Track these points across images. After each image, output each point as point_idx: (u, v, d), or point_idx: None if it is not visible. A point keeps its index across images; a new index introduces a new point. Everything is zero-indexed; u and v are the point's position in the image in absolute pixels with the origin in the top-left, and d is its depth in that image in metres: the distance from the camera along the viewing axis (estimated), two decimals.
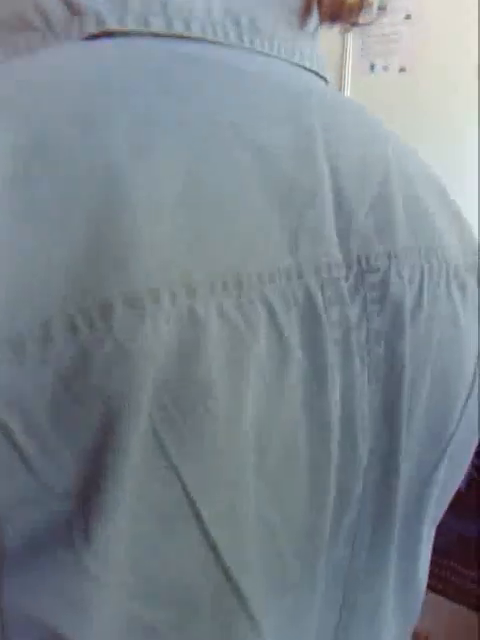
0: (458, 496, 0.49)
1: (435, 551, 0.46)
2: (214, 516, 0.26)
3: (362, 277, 0.32)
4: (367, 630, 0.38)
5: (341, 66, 2.42)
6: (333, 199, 0.30)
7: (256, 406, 0.26)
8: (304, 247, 0.29)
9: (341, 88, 2.45)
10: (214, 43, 0.29)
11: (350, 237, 0.31)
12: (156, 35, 0.27)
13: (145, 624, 0.26)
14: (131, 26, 0.26)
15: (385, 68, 2.34)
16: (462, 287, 0.37)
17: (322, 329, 0.29)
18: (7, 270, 0.19)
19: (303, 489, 0.30)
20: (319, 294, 0.29)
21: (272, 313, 0.27)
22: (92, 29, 0.26)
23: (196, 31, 0.28)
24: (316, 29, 0.36)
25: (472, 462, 0.42)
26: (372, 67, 2.37)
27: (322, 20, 0.35)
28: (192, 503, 0.25)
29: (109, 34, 0.26)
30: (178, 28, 0.27)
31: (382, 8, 2.24)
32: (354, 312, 0.31)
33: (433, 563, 0.43)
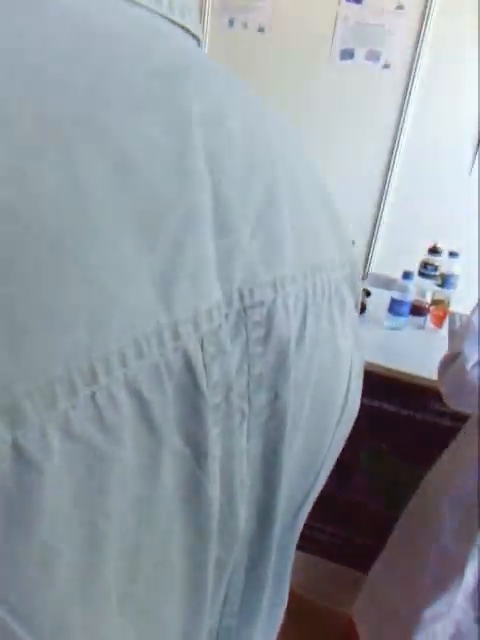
0: None
1: None
2: None
3: (244, 314, 0.24)
4: None
5: (199, 21, 2.33)
6: (213, 218, 0.23)
7: (119, 543, 0.21)
8: (179, 294, 0.21)
9: (199, 43, 2.36)
10: None
11: (233, 267, 0.24)
12: None
13: None
14: None
15: (245, 25, 2.31)
16: (341, 305, 0.32)
17: (202, 397, 0.22)
18: None
19: (177, 599, 0.25)
20: (199, 354, 0.22)
21: (141, 401, 0.20)
22: None
23: None
24: None
25: None
26: (231, 23, 2.32)
27: None
28: None
29: None
30: None
31: None
32: (234, 360, 0.24)
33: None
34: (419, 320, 1.56)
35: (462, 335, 1.02)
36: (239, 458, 0.26)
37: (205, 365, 0.22)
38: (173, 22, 0.26)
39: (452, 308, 1.59)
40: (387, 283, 1.90)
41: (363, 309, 1.60)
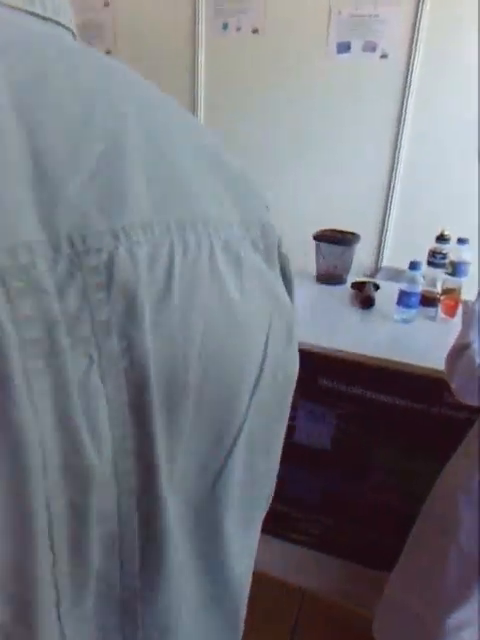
0: None
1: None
2: None
3: (78, 260, 0.26)
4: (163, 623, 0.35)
5: (194, 27, 2.33)
6: (32, 169, 0.25)
7: None
8: None
9: (195, 49, 2.37)
10: None
11: (56, 214, 0.25)
12: None
13: None
14: None
15: (238, 28, 2.30)
16: (236, 263, 0.32)
17: (3, 327, 0.24)
18: None
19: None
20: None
21: None
22: None
23: None
24: None
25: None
26: (225, 26, 2.31)
27: None
28: None
29: None
30: None
31: None
32: (69, 302, 0.26)
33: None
34: (430, 311, 1.50)
35: (468, 324, 0.97)
36: (89, 398, 0.27)
37: (10, 298, 0.24)
38: (46, 19, 0.31)
39: (465, 296, 1.52)
40: (397, 275, 1.84)
41: (372, 303, 1.55)
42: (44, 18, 0.31)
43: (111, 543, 0.30)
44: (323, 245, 1.72)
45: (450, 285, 1.53)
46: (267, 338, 0.34)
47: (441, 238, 1.57)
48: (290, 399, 0.40)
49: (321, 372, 1.37)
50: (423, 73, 2.08)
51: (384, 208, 2.32)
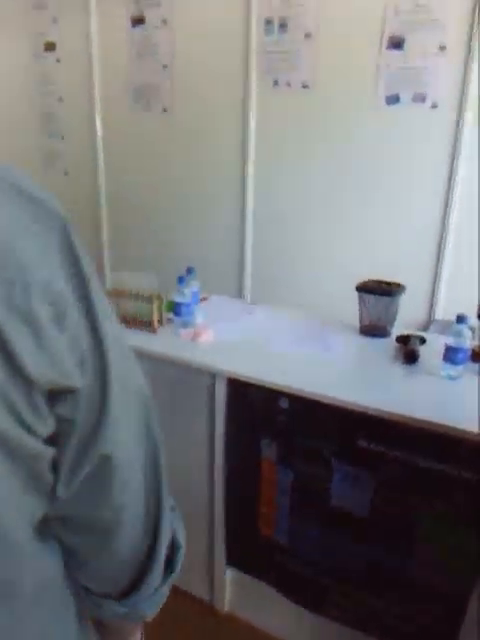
0: None
1: None
2: None
3: None
4: None
5: (246, 83, 2.41)
6: None
7: None
8: None
9: (245, 105, 2.43)
10: None
11: None
12: None
13: None
14: None
15: (288, 84, 2.35)
16: None
17: None
18: None
19: None
20: None
21: None
22: None
23: None
24: None
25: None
26: (276, 83, 2.37)
27: None
28: None
29: None
30: None
31: (283, 26, 2.24)
32: None
33: None
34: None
35: None
36: None
37: None
38: None
39: None
40: (449, 329, 1.74)
41: (416, 358, 1.46)
42: None
43: None
44: (367, 296, 1.65)
45: None
46: None
47: None
48: None
49: (359, 432, 1.29)
50: (475, 120, 2.03)
51: (436, 259, 2.23)
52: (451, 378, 1.36)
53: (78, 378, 0.41)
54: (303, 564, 1.49)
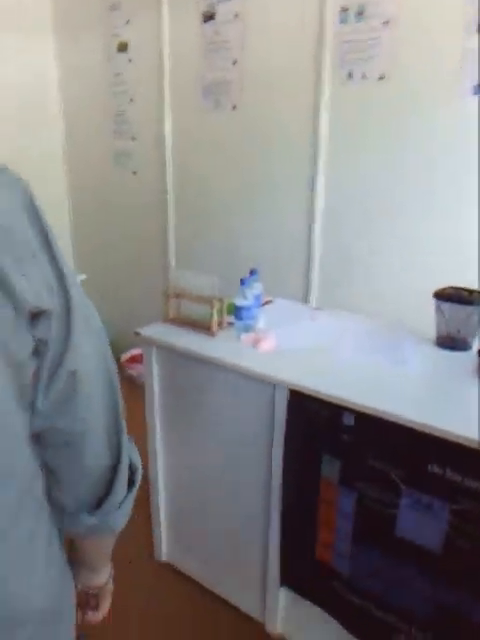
0: None
1: None
2: None
3: None
4: None
5: (318, 77, 2.30)
6: None
7: None
8: None
9: (317, 99, 2.32)
10: None
11: None
12: None
13: None
14: None
15: (364, 76, 2.21)
16: None
17: None
18: None
19: None
20: None
21: None
22: None
23: None
24: None
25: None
26: (350, 75, 2.24)
27: None
28: None
29: None
30: None
31: (360, 13, 2.10)
32: None
33: None
34: None
35: None
36: None
37: None
38: None
39: None
40: None
41: None
42: None
43: None
44: (445, 304, 1.50)
45: None
46: None
47: None
48: None
49: (432, 457, 1.15)
50: None
51: None
52: None
53: (49, 301, 0.55)
54: (363, 596, 1.37)
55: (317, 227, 2.51)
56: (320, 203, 2.47)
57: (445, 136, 2.08)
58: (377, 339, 1.58)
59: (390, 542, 1.27)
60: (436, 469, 1.15)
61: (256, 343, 1.50)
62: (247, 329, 1.56)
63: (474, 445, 1.07)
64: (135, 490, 0.71)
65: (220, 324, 1.57)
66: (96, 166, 3.41)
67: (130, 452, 0.70)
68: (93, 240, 3.63)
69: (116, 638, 1.53)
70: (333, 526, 1.37)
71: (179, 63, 2.81)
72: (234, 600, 1.75)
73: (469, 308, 1.47)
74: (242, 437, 1.52)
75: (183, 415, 1.67)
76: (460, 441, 1.09)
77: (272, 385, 1.39)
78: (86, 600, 0.81)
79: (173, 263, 3.17)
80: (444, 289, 1.53)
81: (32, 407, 0.58)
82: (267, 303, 1.83)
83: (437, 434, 1.12)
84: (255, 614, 1.69)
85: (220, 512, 1.68)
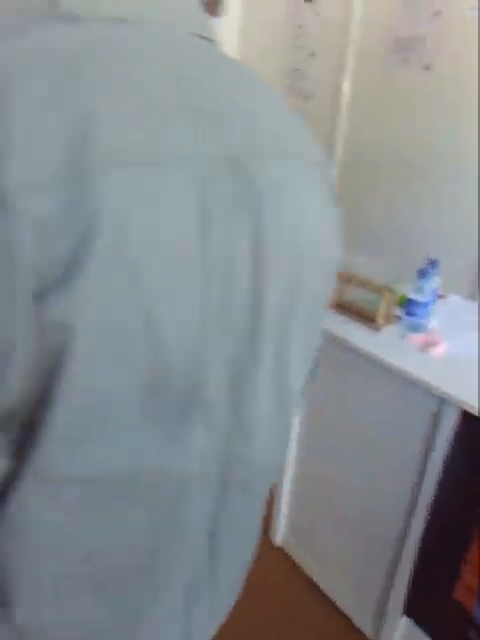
0: None
1: None
2: None
3: None
4: None
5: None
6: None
7: None
8: None
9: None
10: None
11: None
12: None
13: None
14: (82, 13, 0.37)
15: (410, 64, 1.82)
16: None
17: None
18: None
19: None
20: None
21: None
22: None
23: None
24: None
25: None
26: (400, 63, 1.86)
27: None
28: None
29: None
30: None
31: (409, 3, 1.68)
32: None
33: None
34: None
35: None
36: None
37: None
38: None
39: None
40: None
41: None
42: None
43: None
44: None
45: None
46: None
47: None
48: None
49: None
50: None
51: None
52: None
53: None
54: None
55: None
56: None
57: None
58: None
59: None
60: None
61: (426, 346, 1.30)
62: (417, 328, 1.36)
63: None
64: None
65: (387, 317, 1.39)
66: None
67: None
68: None
69: None
70: None
71: (370, 15, 2.53)
72: (345, 607, 1.64)
73: None
74: (390, 446, 1.36)
75: (326, 404, 1.54)
76: None
77: (439, 398, 1.20)
78: None
79: None
80: None
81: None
82: (440, 298, 1.60)
83: None
84: (368, 633, 1.56)
85: (349, 517, 1.56)
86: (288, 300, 0.45)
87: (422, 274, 1.35)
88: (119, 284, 0.33)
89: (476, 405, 1.12)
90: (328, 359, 1.47)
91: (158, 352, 0.37)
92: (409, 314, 1.36)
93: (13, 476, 0.38)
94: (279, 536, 1.86)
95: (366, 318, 1.39)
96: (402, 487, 1.34)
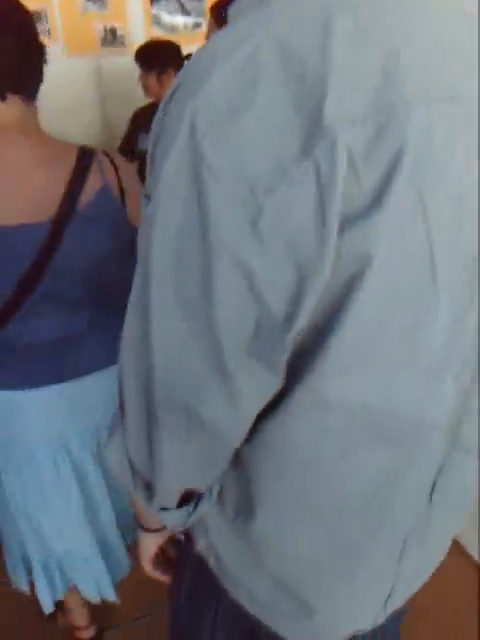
0: None
1: None
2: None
3: None
4: None
5: None
6: None
7: None
8: None
9: None
10: None
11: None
12: None
13: None
14: None
15: None
16: None
17: None
18: None
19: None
20: None
21: None
22: None
23: None
24: None
25: None
26: None
27: None
28: None
29: None
30: None
31: None
32: None
33: None
34: None
35: None
36: None
37: None
38: None
39: None
40: None
41: None
42: None
43: None
44: None
45: None
46: None
47: None
48: None
49: None
50: None
51: None
52: None
53: None
54: None
55: None
56: None
57: None
58: None
59: None
60: None
61: None
62: None
63: None
64: None
65: None
66: None
67: None
68: None
69: None
70: None
71: None
72: None
73: None
74: None
75: None
76: None
77: None
78: None
79: None
80: None
81: None
82: None
83: None
84: None
85: None
86: None
87: None
88: (411, 219, 0.34)
89: None
90: None
91: (436, 293, 0.37)
92: None
93: (283, 395, 0.40)
94: None
95: None
96: None
